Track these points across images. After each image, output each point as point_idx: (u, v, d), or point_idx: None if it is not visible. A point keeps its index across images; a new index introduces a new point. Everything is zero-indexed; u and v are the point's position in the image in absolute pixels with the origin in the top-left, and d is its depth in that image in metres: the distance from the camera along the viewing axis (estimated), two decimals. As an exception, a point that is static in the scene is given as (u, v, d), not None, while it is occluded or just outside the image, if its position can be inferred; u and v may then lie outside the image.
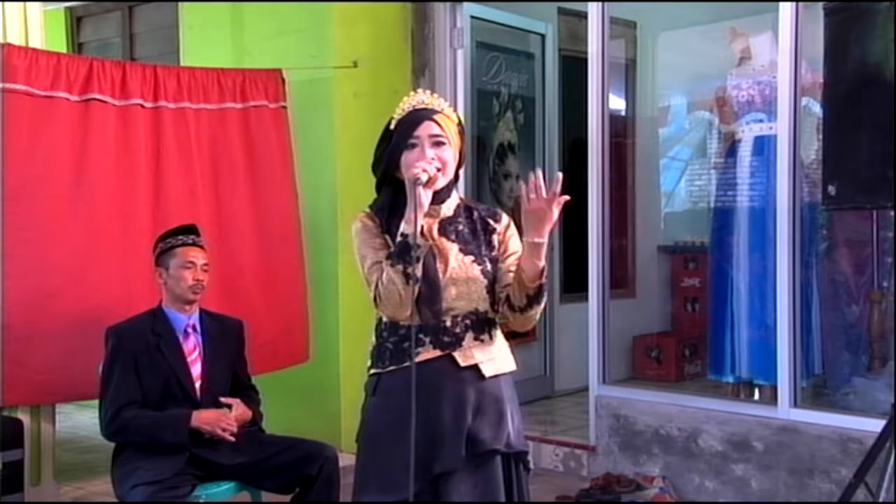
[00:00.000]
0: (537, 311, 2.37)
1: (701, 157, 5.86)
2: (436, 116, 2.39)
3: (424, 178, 2.28)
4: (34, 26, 4.07)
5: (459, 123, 2.46)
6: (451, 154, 2.39)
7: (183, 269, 3.46)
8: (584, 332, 4.79)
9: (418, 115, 2.39)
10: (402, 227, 2.29)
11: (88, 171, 4.03)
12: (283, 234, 4.66)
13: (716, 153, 5.35)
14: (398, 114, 2.42)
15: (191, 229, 3.62)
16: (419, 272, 2.27)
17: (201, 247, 3.58)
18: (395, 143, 2.39)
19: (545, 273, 2.30)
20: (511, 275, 2.38)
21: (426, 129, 2.37)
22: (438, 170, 2.34)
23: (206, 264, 3.53)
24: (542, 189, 2.22)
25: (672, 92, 6.23)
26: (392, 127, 2.42)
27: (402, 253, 2.27)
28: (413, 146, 2.37)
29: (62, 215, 3.95)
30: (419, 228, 2.27)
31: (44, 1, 4.27)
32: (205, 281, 3.51)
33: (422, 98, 2.42)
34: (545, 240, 2.26)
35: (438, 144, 2.38)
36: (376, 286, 2.31)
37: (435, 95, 2.45)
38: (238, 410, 3.43)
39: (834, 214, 4.61)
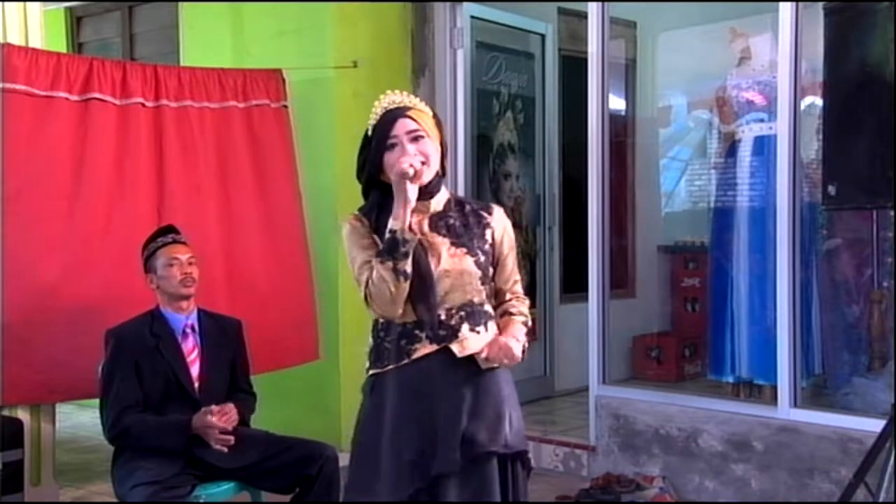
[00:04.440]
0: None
1: (701, 157, 5.85)
2: (409, 113, 2.41)
3: (411, 172, 2.31)
4: (34, 26, 4.07)
5: (434, 116, 2.48)
6: (432, 147, 2.41)
7: (169, 266, 3.47)
8: (584, 332, 4.78)
9: (392, 115, 2.41)
10: (390, 224, 2.31)
11: (89, 170, 4.03)
12: (288, 231, 4.66)
13: (716, 153, 5.35)
14: (373, 118, 2.44)
15: (170, 229, 3.62)
16: (409, 268, 2.29)
17: (183, 243, 3.57)
18: (374, 146, 2.41)
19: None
20: (513, 275, 2.54)
21: (402, 126, 2.39)
22: (423, 163, 2.37)
23: (191, 257, 3.52)
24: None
25: (672, 92, 6.22)
26: (370, 133, 2.44)
27: (390, 249, 2.30)
28: (393, 146, 2.39)
29: (62, 215, 3.96)
30: (407, 224, 2.29)
31: (44, 1, 4.27)
32: (194, 274, 3.50)
33: (393, 98, 2.45)
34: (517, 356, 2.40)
35: (417, 139, 2.40)
36: (366, 285, 2.32)
37: (405, 94, 2.47)
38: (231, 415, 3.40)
39: (834, 214, 4.60)
